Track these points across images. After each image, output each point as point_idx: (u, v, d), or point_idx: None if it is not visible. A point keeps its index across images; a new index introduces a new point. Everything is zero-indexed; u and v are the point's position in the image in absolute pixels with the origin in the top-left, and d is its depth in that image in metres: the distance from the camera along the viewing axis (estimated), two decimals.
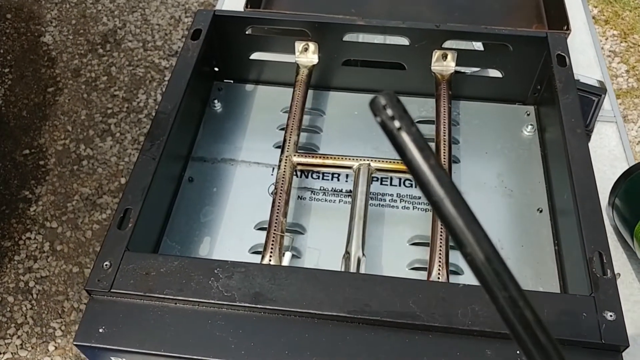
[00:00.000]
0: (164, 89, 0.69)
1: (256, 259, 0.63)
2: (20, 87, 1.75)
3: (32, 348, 1.23)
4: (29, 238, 1.41)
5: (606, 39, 1.61)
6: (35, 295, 1.32)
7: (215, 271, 0.53)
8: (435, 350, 0.48)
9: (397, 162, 0.68)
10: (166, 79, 1.61)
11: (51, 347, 1.21)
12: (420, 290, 0.51)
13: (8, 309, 1.27)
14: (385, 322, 0.49)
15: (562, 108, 0.64)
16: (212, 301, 0.51)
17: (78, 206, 1.46)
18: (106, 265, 0.54)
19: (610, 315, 0.48)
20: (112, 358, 0.52)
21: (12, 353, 1.21)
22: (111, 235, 0.56)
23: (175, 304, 0.52)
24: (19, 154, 1.58)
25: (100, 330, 0.51)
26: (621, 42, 1.59)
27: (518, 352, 0.47)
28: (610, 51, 1.59)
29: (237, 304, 0.51)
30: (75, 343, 0.51)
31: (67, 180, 1.52)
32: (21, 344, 1.24)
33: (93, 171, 1.54)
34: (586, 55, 0.94)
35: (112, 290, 0.52)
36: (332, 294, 0.51)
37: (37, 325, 1.27)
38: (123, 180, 1.46)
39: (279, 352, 0.49)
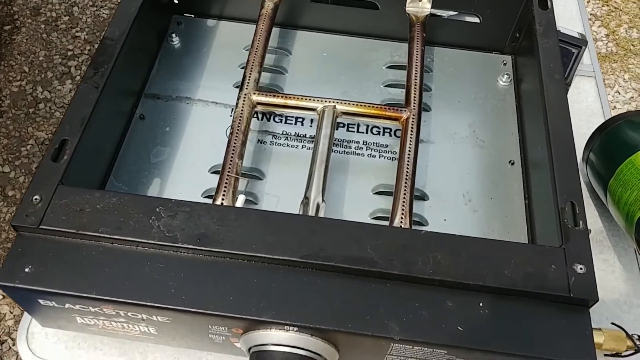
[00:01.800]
0: None
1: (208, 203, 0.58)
2: None
3: None
4: None
5: (588, 2, 1.57)
6: None
7: (157, 210, 0.48)
8: (393, 299, 0.44)
9: (365, 106, 0.64)
10: None
11: None
12: (380, 235, 0.47)
13: None
14: (340, 268, 0.45)
15: (540, 52, 0.60)
16: (152, 241, 0.46)
17: (33, 151, 1.38)
18: (36, 199, 0.48)
19: (580, 268, 0.45)
20: (40, 301, 0.47)
21: None
22: (44, 167, 0.51)
23: (112, 243, 0.47)
24: None
25: (27, 270, 0.46)
26: (603, 5, 1.56)
27: (481, 304, 0.44)
28: (591, 14, 1.56)
29: (180, 245, 0.46)
30: None
31: (21, 124, 1.43)
32: None
33: (50, 115, 1.45)
34: (568, 9, 0.90)
35: (41, 227, 0.47)
36: (284, 237, 0.47)
37: None
38: None
39: (224, 297, 0.45)
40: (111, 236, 0.47)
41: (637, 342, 0.48)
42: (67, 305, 0.47)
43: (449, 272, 0.45)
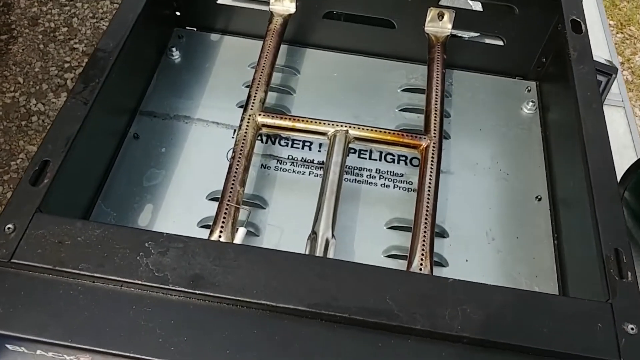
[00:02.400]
0: None
1: (205, 233, 0.52)
2: None
3: None
4: None
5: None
6: None
7: (147, 245, 0.42)
8: (414, 358, 0.38)
9: (381, 131, 0.58)
10: None
11: None
12: (400, 282, 0.41)
13: None
14: (355, 321, 0.39)
15: (576, 80, 0.55)
16: (139, 282, 0.40)
17: (23, 165, 1.33)
18: (9, 228, 0.43)
19: (632, 329, 0.40)
20: (7, 346, 0.41)
21: None
22: (20, 191, 0.45)
23: (93, 282, 0.41)
24: None
25: None
26: (617, 32, 1.52)
27: None
28: None
29: (170, 287, 0.40)
30: None
31: (13, 137, 1.38)
32: None
33: (43, 128, 1.40)
34: (593, 35, 0.86)
35: (12, 261, 0.41)
36: (291, 281, 0.41)
37: None
38: None
39: (218, 351, 0.39)
40: (92, 274, 0.41)
41: None
42: (38, 352, 0.41)
43: (480, 329, 0.39)
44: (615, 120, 0.73)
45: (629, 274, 0.42)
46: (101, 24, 1.65)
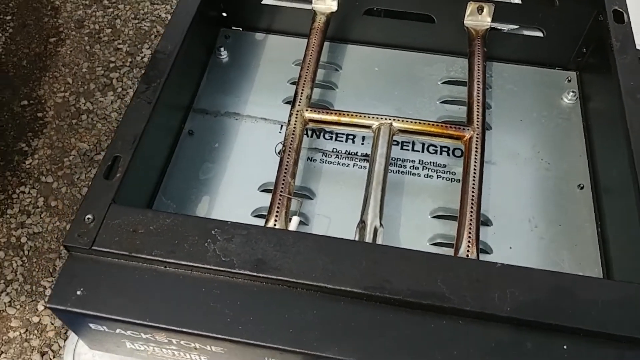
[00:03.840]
0: None
1: (259, 223, 0.56)
2: (22, 36, 1.66)
3: (21, 306, 1.18)
4: (23, 192, 1.34)
5: None
6: (26, 252, 1.26)
7: (213, 232, 0.46)
8: (466, 338, 0.41)
9: (424, 123, 0.60)
10: None
11: (40, 307, 1.16)
12: (450, 267, 0.43)
13: None
14: (407, 303, 0.42)
15: (619, 70, 0.56)
16: (208, 266, 0.44)
17: (75, 162, 1.39)
18: (88, 218, 0.47)
19: None
20: (90, 325, 0.46)
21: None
22: (96, 185, 0.49)
23: (165, 267, 0.45)
24: (17, 105, 1.50)
25: (78, 293, 0.44)
26: None
27: (565, 346, 0.40)
28: None
29: (236, 271, 0.44)
30: (48, 305, 0.44)
31: (65, 134, 1.44)
32: (10, 302, 1.19)
33: (92, 126, 1.46)
34: (635, 22, 0.85)
35: (93, 248, 0.45)
36: (346, 266, 0.44)
37: (27, 282, 1.22)
38: None
39: (282, 329, 0.42)
40: (165, 259, 0.45)
41: None
42: (118, 331, 0.45)
43: (529, 310, 0.41)
44: None
45: None
46: (142, 24, 1.70)
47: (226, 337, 0.42)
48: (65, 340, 1.13)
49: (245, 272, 0.44)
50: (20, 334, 1.15)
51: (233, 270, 0.44)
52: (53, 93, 1.54)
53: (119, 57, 1.62)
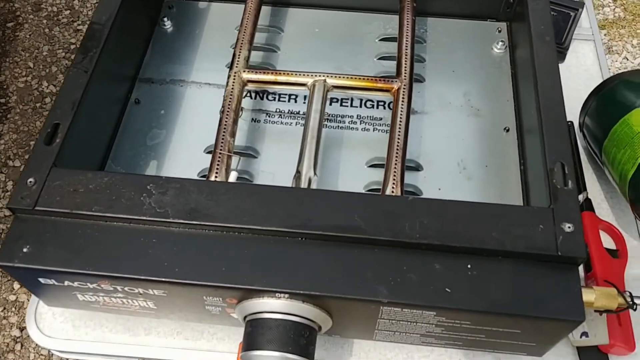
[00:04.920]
0: None
1: None
2: None
3: None
4: None
5: None
6: None
7: (148, 187, 0.49)
8: (381, 264, 0.45)
9: (356, 78, 0.63)
10: None
11: (16, 285, 1.19)
12: (367, 204, 0.47)
13: None
14: (328, 237, 0.46)
15: (531, 15, 0.59)
16: (144, 218, 0.47)
17: None
18: (30, 182, 0.50)
19: (569, 227, 0.45)
20: (40, 280, 0.49)
21: None
22: (37, 151, 0.52)
23: (106, 221, 0.48)
24: None
25: (25, 250, 0.47)
26: None
27: (469, 266, 0.45)
28: None
29: (171, 220, 0.47)
30: None
31: (29, 118, 1.46)
32: None
33: None
34: None
35: (36, 208, 0.48)
36: (274, 209, 0.47)
37: None
38: None
39: (216, 269, 0.46)
40: (104, 214, 0.48)
41: (629, 299, 0.48)
42: (66, 283, 0.49)
43: (436, 236, 0.45)
44: (584, 53, 0.77)
45: (570, 182, 0.48)
46: None
47: (164, 280, 0.45)
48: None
49: (179, 221, 0.47)
50: None
51: (168, 220, 0.47)
52: (15, 78, 1.54)
53: (79, 38, 1.62)
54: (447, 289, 0.43)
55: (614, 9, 1.49)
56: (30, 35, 1.63)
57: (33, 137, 1.43)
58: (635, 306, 0.48)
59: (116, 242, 0.47)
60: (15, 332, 1.15)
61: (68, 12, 1.68)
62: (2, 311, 1.18)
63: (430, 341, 0.50)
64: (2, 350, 1.13)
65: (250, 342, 0.46)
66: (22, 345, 1.13)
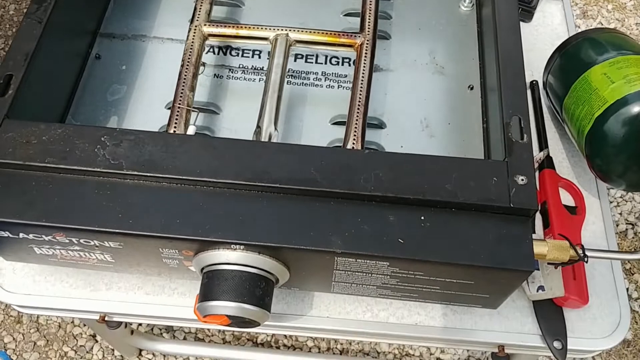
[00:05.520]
0: None
1: None
2: None
3: None
4: None
5: None
6: None
7: (102, 139, 0.48)
8: (336, 216, 0.45)
9: (319, 33, 0.63)
10: None
11: None
12: (324, 157, 0.47)
13: None
14: (284, 189, 0.46)
15: None
16: (98, 169, 0.47)
17: None
18: None
19: (522, 180, 0.46)
20: None
21: None
22: None
23: (60, 173, 0.48)
24: None
25: None
26: None
27: (422, 217, 0.45)
28: None
29: (125, 172, 0.46)
30: None
31: None
32: None
33: None
34: None
35: None
36: (229, 161, 0.47)
37: None
38: None
39: (170, 220, 0.45)
40: (58, 166, 0.47)
41: (580, 252, 0.49)
42: (21, 235, 0.48)
43: (390, 188, 0.45)
44: (551, 13, 0.76)
45: (526, 136, 0.48)
46: None
47: (119, 231, 0.45)
48: None
49: (134, 173, 0.46)
50: None
51: (122, 172, 0.46)
52: None
53: None
54: (400, 240, 0.44)
55: None
56: None
57: None
58: (586, 258, 0.50)
59: (70, 194, 0.47)
60: None
61: None
62: None
63: (387, 293, 0.51)
64: None
65: (206, 293, 0.46)
66: None
